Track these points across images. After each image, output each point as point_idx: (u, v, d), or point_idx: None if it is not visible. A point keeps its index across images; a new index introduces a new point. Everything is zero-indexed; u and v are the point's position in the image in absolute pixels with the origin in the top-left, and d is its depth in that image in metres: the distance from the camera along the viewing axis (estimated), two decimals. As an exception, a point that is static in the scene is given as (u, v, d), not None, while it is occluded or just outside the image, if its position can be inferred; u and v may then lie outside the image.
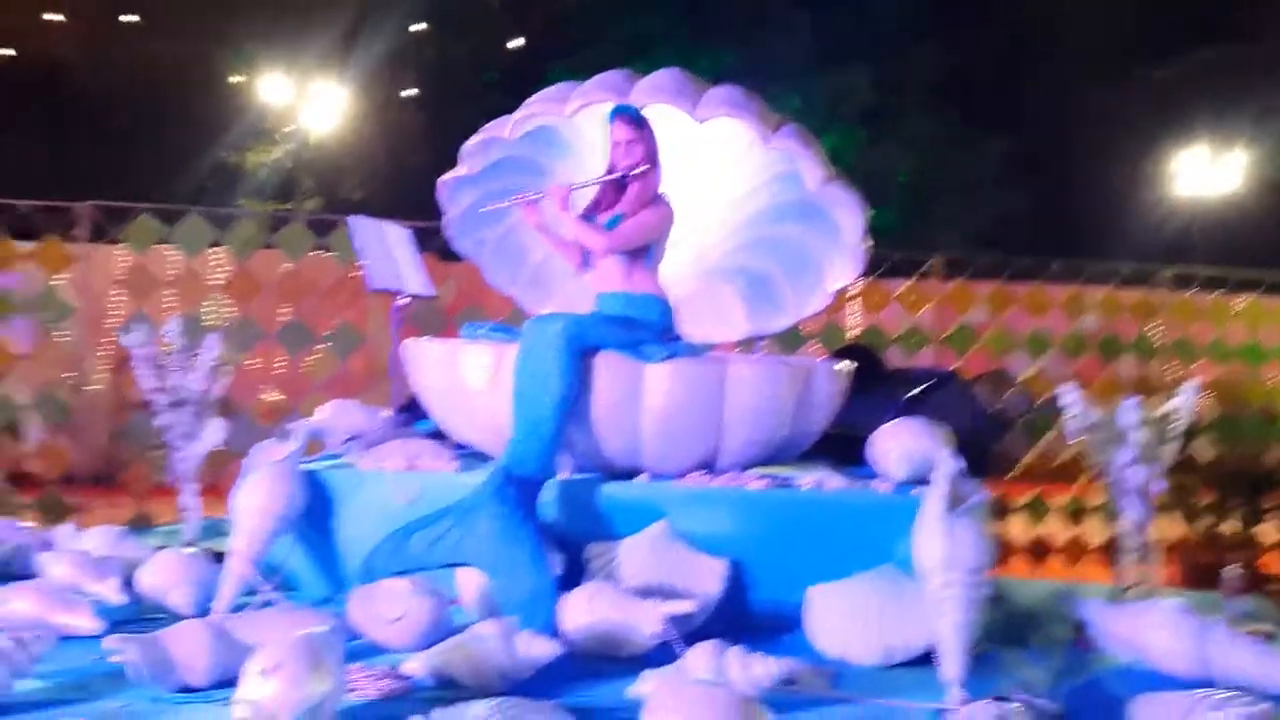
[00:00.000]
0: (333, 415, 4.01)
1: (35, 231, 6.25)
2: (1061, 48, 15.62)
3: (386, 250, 3.99)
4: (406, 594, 2.96)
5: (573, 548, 3.32)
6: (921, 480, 3.20)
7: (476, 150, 4.07)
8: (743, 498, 3.28)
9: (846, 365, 3.83)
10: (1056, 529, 6.70)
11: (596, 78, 3.91)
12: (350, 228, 3.89)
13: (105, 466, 6.92)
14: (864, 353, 5.07)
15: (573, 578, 3.24)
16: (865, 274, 7.07)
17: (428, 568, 3.08)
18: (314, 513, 3.66)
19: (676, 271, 4.35)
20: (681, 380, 3.35)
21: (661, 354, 3.36)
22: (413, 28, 14.72)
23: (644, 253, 3.64)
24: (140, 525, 5.51)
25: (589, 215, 3.73)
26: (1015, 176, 15.45)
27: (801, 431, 3.59)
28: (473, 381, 3.50)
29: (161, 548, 3.71)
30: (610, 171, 3.71)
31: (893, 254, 7.04)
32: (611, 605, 2.93)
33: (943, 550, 2.74)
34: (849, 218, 3.89)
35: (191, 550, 3.59)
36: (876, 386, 4.14)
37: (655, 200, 3.67)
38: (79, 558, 3.61)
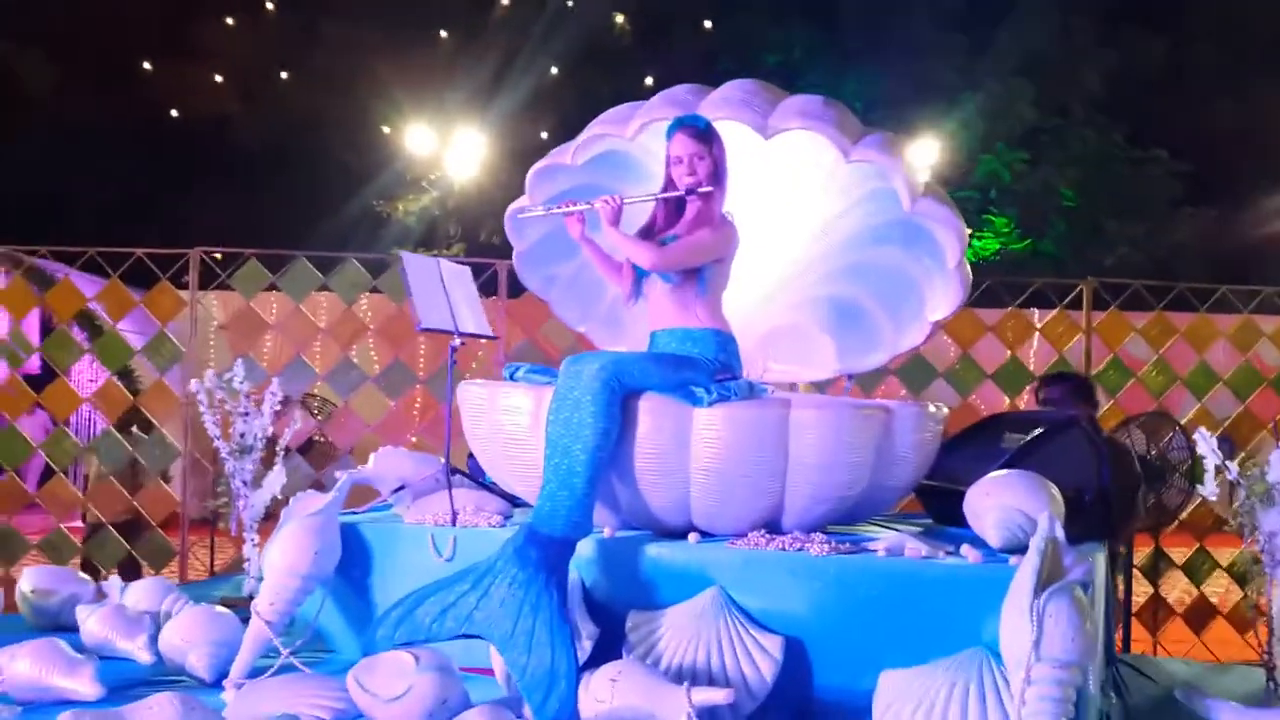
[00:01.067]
0: (380, 464, 3.77)
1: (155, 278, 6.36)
2: (1238, 53, 14.27)
3: (438, 288, 3.74)
4: (410, 669, 2.64)
5: (612, 615, 2.94)
6: (1022, 548, 2.66)
7: (541, 179, 3.78)
8: (804, 564, 2.81)
9: (945, 409, 3.31)
10: (1223, 589, 5.83)
11: (661, 94, 3.57)
12: (401, 264, 3.64)
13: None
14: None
15: (610, 650, 2.85)
16: (1003, 303, 6.52)
17: (437, 639, 2.75)
18: (351, 568, 3.42)
19: (760, 305, 3.93)
20: (734, 426, 2.92)
21: (712, 396, 2.93)
22: (553, 69, 14.80)
23: (698, 281, 3.20)
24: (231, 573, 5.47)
25: (641, 238, 3.35)
26: (1190, 196, 14.18)
27: (882, 485, 3.10)
28: (510, 427, 3.18)
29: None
30: (667, 188, 3.30)
31: (1035, 280, 6.36)
32: (638, 688, 2.53)
33: (1029, 638, 2.22)
34: (949, 237, 3.39)
35: (221, 608, 3.40)
36: (982, 432, 3.58)
37: (716, 222, 3.26)
38: (113, 613, 3.48)
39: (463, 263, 3.95)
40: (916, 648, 2.62)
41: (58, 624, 3.69)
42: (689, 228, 3.24)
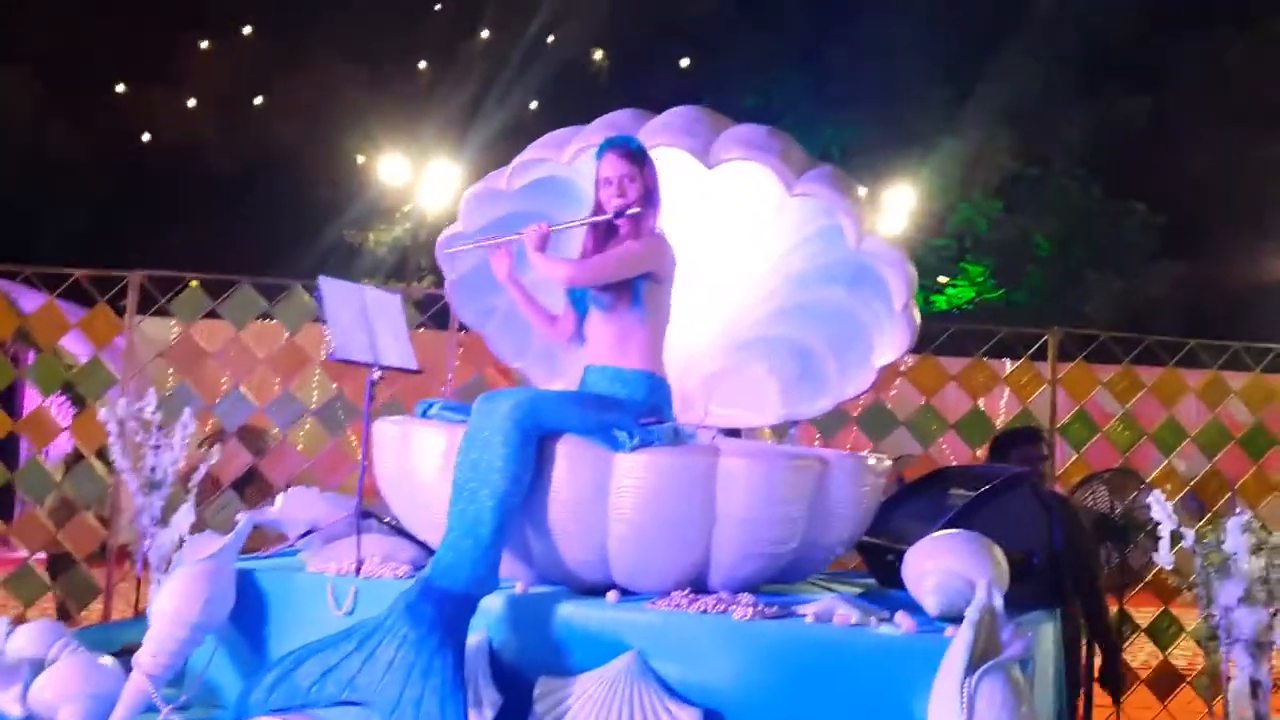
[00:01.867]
0: (289, 505, 3.51)
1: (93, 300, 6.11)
2: (1219, 108, 14.30)
3: (359, 316, 3.51)
4: (285, 737, 2.39)
5: (520, 681, 2.70)
6: (961, 617, 2.43)
7: (476, 204, 3.56)
8: (725, 628, 2.58)
9: (887, 461, 3.10)
10: (1190, 653, 5.60)
11: (601, 119, 3.38)
12: (319, 290, 3.41)
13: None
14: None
15: (515, 720, 2.61)
16: (969, 353, 6.34)
17: (316, 705, 2.50)
18: (245, 618, 3.16)
19: (702, 344, 3.72)
20: (658, 473, 2.69)
21: (634, 440, 2.71)
22: (532, 103, 14.69)
23: (632, 302, 2.97)
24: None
25: None
26: (1166, 249, 14.13)
27: (817, 543, 2.87)
28: (420, 469, 2.94)
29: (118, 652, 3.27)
30: (596, 212, 3.08)
31: (1000, 329, 6.18)
32: (533, 768, 2.28)
33: (959, 722, 1.99)
34: (896, 278, 3.20)
35: (106, 658, 3.12)
36: (929, 487, 3.37)
37: (645, 235, 3.03)
38: (-10, 660, 3.21)
39: (429, 295, 3.76)
40: (843, 725, 2.39)
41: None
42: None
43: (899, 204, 13.16)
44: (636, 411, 2.87)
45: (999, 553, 2.65)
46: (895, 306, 3.20)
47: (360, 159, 15.24)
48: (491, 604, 2.77)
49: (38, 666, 3.19)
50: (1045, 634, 2.80)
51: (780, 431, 3.89)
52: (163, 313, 6.25)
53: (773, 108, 15.17)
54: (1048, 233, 14.34)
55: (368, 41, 14.96)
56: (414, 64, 15.39)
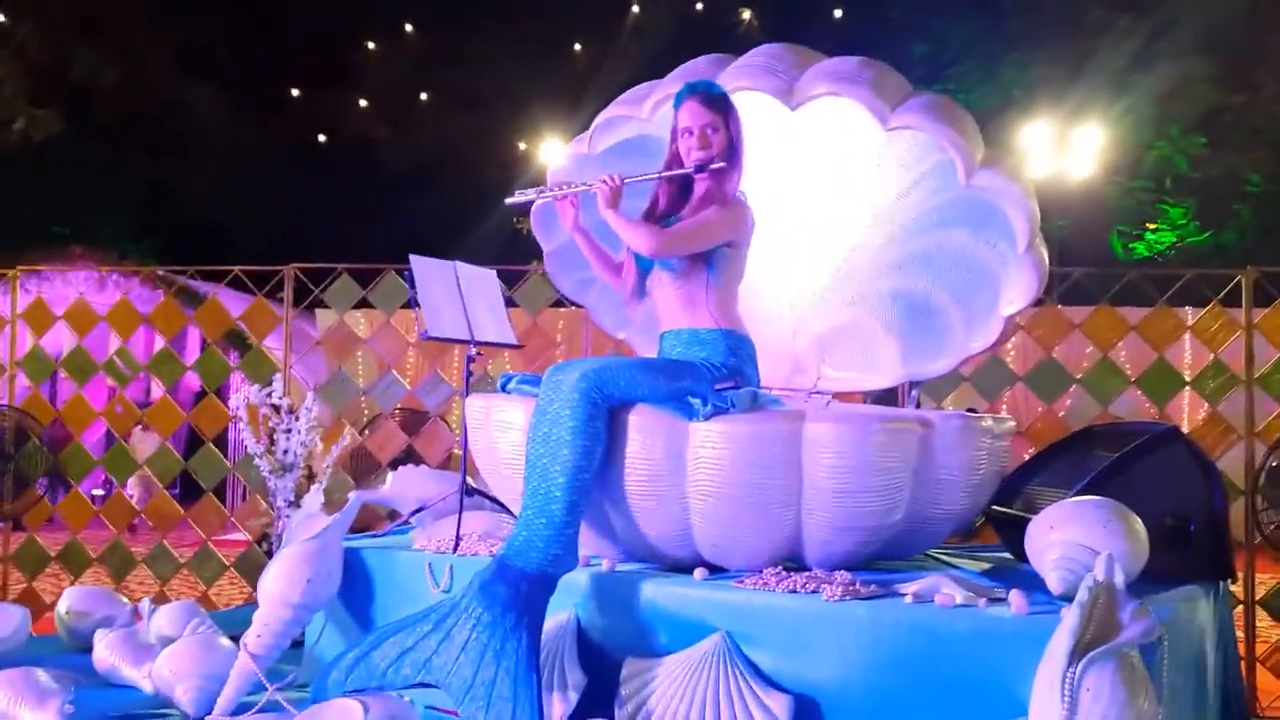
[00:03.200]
0: (398, 483, 3.51)
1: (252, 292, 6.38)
2: None
3: (452, 293, 3.45)
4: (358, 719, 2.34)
5: (608, 661, 2.56)
6: (1084, 594, 2.12)
7: (561, 175, 3.44)
8: (815, 610, 2.34)
9: (1009, 421, 2.77)
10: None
11: (680, 67, 3.18)
12: (411, 269, 3.36)
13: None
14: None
15: (601, 702, 2.48)
16: (1145, 300, 5.72)
17: (393, 686, 2.44)
18: (352, 596, 3.18)
19: (813, 303, 3.47)
20: (734, 443, 2.48)
21: (707, 408, 2.51)
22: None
23: (707, 270, 2.76)
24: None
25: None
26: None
27: (927, 514, 2.59)
28: (503, 443, 2.84)
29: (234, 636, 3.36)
30: (671, 165, 2.86)
31: (1184, 271, 5.55)
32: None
33: (1060, 715, 1.71)
34: (1018, 216, 2.84)
35: (225, 639, 3.20)
36: (1071, 448, 3.00)
37: (729, 200, 2.80)
38: (124, 639, 3.36)
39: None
40: (947, 716, 2.13)
41: (87, 646, 3.60)
42: (695, 209, 2.81)
43: (1087, 145, 12.22)
44: (714, 376, 2.66)
45: (1135, 522, 2.30)
46: (1019, 248, 2.85)
47: (523, 146, 15.48)
48: (578, 581, 2.65)
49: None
50: (1197, 612, 2.42)
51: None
52: (317, 303, 6.47)
53: (947, 53, 14.37)
54: (1257, 166, 12.96)
55: (523, 28, 15.13)
56: (570, 46, 15.47)
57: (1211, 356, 5.55)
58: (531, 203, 3.07)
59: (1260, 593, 4.92)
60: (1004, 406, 5.49)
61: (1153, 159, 13.63)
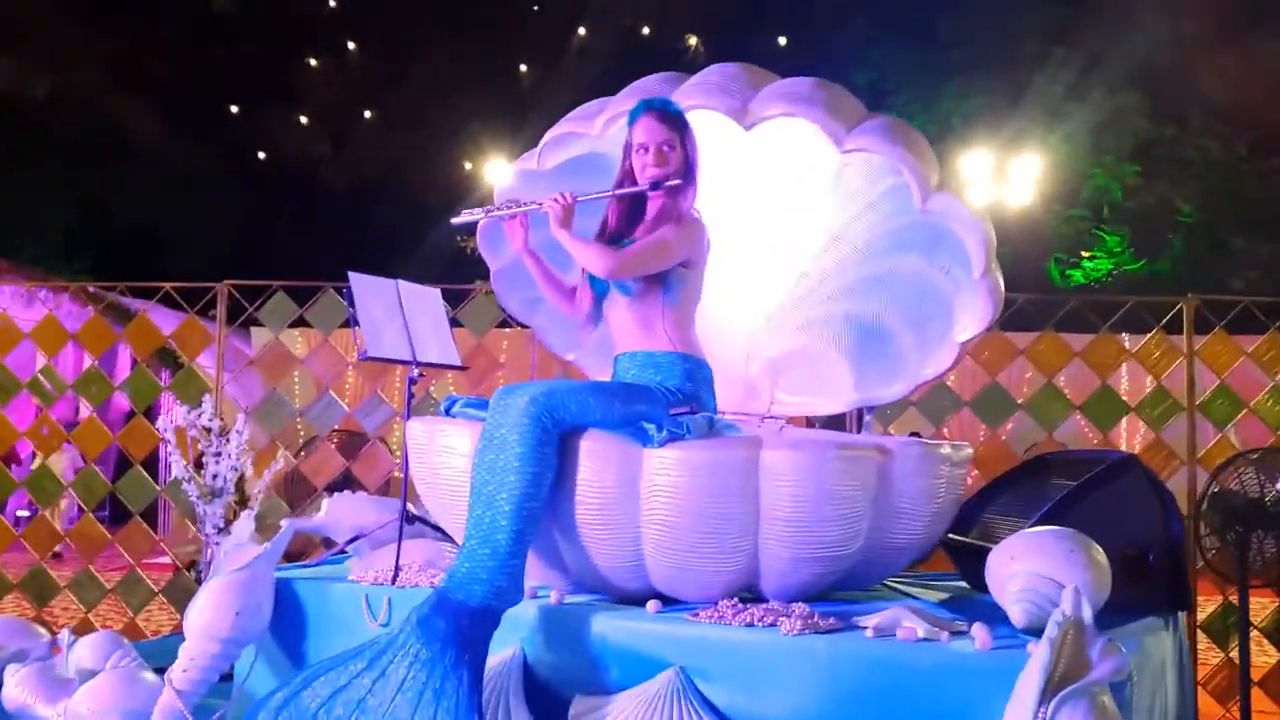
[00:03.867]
0: (334, 511, 3.36)
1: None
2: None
3: (394, 312, 3.33)
4: (287, 766, 2.19)
5: (554, 699, 2.45)
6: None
7: (508, 192, 3.35)
8: (771, 644, 2.26)
9: (967, 449, 2.72)
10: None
11: (632, 85, 3.11)
12: (351, 286, 3.22)
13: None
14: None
15: (549, 743, 2.36)
16: (1083, 327, 5.76)
17: (323, 729, 2.30)
18: (284, 630, 3.02)
19: (765, 327, 3.41)
20: (691, 471, 2.40)
21: (662, 434, 2.42)
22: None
23: (664, 291, 2.68)
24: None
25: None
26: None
27: (885, 544, 2.52)
28: (444, 470, 2.72)
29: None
30: (623, 183, 2.78)
31: (1127, 298, 5.60)
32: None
33: (1031, 763, 1.64)
34: (972, 239, 2.81)
35: (148, 674, 3.02)
36: (1026, 476, 2.96)
37: (684, 219, 2.73)
38: (37, 674, 3.16)
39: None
40: (909, 755, 2.05)
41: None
42: (649, 228, 2.73)
43: (1026, 174, 12.42)
44: (669, 400, 2.58)
45: (1098, 552, 2.25)
46: (974, 273, 2.81)
47: (468, 165, 15.33)
48: (525, 614, 2.54)
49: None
50: (1159, 645, 2.38)
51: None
52: (254, 322, 6.28)
53: (886, 82, 14.55)
54: (1189, 198, 13.28)
55: (467, 48, 15.04)
56: (515, 67, 15.39)
57: (1150, 382, 5.61)
58: (476, 222, 2.97)
59: (1200, 617, 4.97)
60: (946, 431, 5.48)
61: (1090, 188, 13.91)
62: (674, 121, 2.76)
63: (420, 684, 2.24)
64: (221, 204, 15.78)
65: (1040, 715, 1.67)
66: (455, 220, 2.90)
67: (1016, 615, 2.20)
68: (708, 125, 2.94)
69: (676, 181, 2.72)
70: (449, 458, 2.69)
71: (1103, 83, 13.79)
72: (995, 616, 2.28)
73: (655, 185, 2.72)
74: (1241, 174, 13.27)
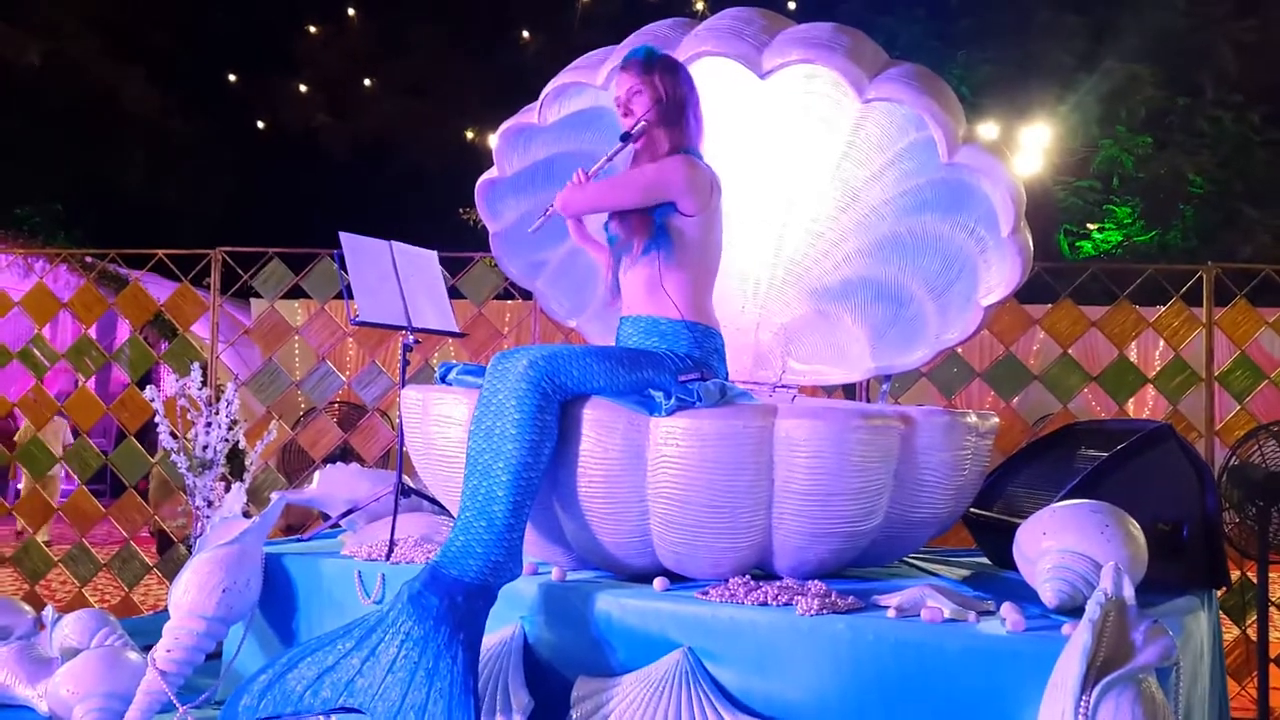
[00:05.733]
0: (327, 483, 3.23)
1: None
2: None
3: (388, 275, 3.18)
4: (272, 751, 2.07)
5: (555, 681, 2.32)
6: (1083, 609, 1.92)
7: (510, 145, 3.18)
8: (786, 624, 2.12)
9: (993, 418, 2.57)
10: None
11: (639, 31, 2.94)
12: (343, 249, 3.07)
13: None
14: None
15: (549, 728, 2.24)
16: (1094, 298, 5.60)
17: (310, 712, 2.17)
18: (275, 607, 2.89)
19: (777, 291, 3.25)
20: (700, 441, 2.25)
21: (670, 402, 2.27)
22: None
23: (659, 241, 2.51)
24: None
25: None
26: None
27: (906, 518, 2.38)
28: (440, 440, 2.58)
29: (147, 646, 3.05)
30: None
31: (1145, 267, 5.44)
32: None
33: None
34: (1001, 196, 2.64)
35: (132, 653, 2.90)
36: (1053, 448, 2.82)
37: (661, 154, 2.57)
38: (18, 654, 3.03)
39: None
40: (933, 743, 1.92)
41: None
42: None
43: (1035, 144, 12.21)
44: (677, 367, 2.42)
45: (1134, 526, 2.11)
46: (1002, 231, 2.65)
47: (469, 134, 15.10)
48: (525, 592, 2.40)
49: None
50: (1197, 625, 2.24)
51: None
52: (252, 291, 6.12)
53: (894, 50, 14.32)
54: (1200, 168, 13.06)
55: (468, 14, 14.80)
56: (517, 34, 15.14)
57: (1159, 354, 5.48)
58: (548, 220, 2.79)
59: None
60: (958, 402, 5.34)
61: (1100, 159, 13.68)
62: (636, 66, 2.60)
63: (412, 664, 2.10)
64: (220, 174, 15.59)
65: (1083, 704, 1.54)
66: (530, 229, 2.76)
67: (1048, 594, 2.06)
68: (713, 75, 2.78)
69: (641, 124, 2.56)
70: (445, 427, 2.55)
71: (1114, 52, 13.54)
72: (1023, 595, 2.15)
73: (625, 137, 2.57)
74: (1254, 145, 13.03)
